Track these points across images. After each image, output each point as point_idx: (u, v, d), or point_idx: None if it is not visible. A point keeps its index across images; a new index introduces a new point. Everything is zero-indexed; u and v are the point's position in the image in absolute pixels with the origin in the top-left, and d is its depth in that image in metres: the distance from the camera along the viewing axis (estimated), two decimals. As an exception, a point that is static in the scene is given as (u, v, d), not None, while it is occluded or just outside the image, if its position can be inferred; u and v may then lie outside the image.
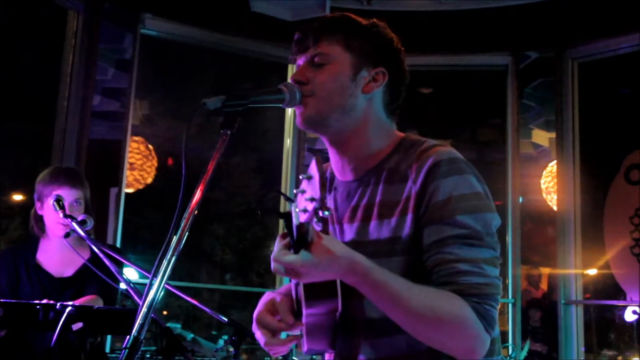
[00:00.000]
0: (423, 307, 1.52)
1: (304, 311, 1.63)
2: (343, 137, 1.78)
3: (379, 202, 1.71)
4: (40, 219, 3.39)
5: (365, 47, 1.79)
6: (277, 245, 1.49)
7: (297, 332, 1.72)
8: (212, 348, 5.58)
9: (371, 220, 1.71)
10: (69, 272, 3.36)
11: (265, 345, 1.72)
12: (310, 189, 1.46)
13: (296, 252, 1.44)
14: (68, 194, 3.28)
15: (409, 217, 1.64)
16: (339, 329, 1.68)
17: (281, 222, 1.58)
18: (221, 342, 7.08)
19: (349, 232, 1.75)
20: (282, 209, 1.65)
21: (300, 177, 1.55)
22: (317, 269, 1.45)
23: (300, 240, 1.43)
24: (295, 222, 1.42)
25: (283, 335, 1.75)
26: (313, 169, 1.48)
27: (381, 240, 1.66)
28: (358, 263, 1.50)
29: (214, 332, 8.75)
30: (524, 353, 5.68)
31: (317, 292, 1.60)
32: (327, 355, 1.83)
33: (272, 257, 1.47)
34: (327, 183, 1.41)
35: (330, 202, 1.84)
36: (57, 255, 3.39)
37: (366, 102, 1.78)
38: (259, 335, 1.72)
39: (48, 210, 3.32)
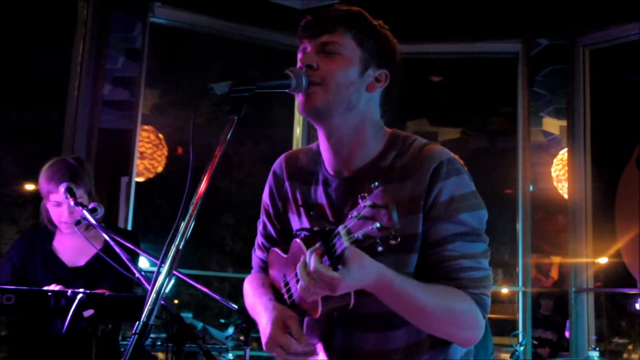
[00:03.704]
0: (438, 307, 1.66)
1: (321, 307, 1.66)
2: (341, 133, 1.81)
3: None
4: (48, 212, 3.38)
5: (375, 47, 1.82)
6: (314, 260, 1.49)
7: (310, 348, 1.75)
8: (222, 336, 5.58)
9: None
10: (81, 261, 3.38)
11: None
12: (373, 211, 1.38)
13: (334, 267, 1.48)
14: (62, 198, 3.23)
15: (420, 216, 1.73)
16: (337, 323, 1.77)
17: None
18: (231, 330, 7.10)
19: None
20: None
21: (359, 197, 1.44)
22: (354, 284, 1.53)
23: (340, 256, 1.47)
24: (345, 244, 1.42)
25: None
26: (378, 195, 1.39)
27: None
28: (384, 274, 1.57)
29: (222, 320, 8.76)
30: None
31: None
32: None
33: (312, 270, 1.49)
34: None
35: (322, 199, 1.87)
36: (72, 244, 3.40)
37: (366, 101, 1.82)
38: (276, 354, 1.74)
39: (51, 210, 3.33)
